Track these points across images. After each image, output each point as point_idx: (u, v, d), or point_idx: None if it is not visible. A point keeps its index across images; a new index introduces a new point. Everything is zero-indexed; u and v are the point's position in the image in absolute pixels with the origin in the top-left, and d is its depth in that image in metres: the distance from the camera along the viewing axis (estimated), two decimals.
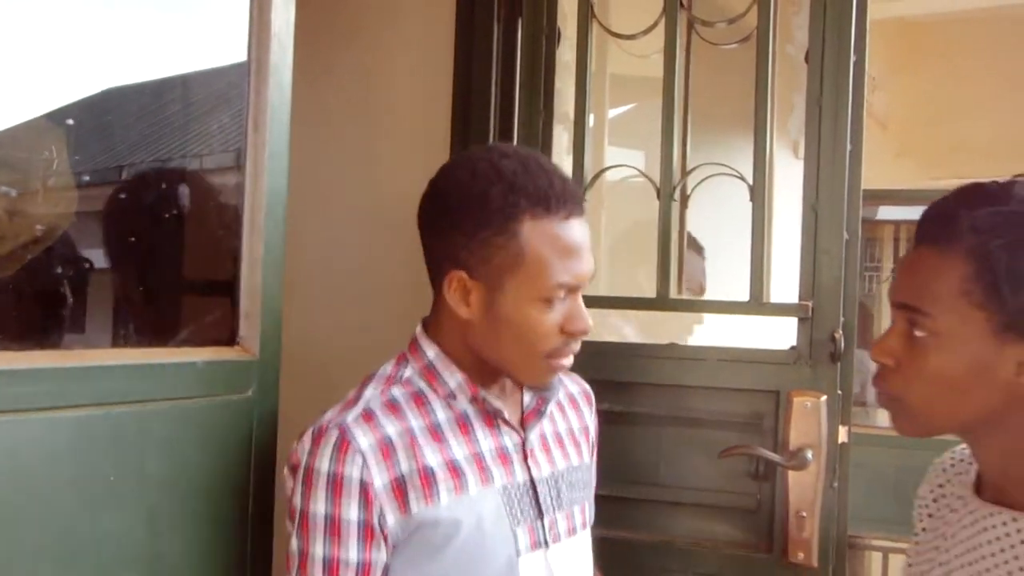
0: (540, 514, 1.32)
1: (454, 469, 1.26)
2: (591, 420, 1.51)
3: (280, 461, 1.57)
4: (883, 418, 4.98)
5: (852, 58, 1.86)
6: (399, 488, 1.22)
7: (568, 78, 2.09)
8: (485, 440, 1.31)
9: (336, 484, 1.20)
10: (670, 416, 1.95)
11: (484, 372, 1.32)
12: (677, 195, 2.02)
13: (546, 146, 2.06)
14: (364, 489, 1.20)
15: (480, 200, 1.22)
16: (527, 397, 1.38)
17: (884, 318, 5.73)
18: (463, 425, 1.30)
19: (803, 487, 1.86)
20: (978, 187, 1.04)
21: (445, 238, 1.27)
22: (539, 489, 1.33)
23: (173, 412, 1.37)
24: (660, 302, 1.96)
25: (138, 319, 1.68)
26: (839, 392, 1.87)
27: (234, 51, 1.55)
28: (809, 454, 1.84)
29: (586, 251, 1.25)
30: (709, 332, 2.88)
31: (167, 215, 1.75)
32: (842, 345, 1.86)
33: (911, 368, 1.03)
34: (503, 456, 1.31)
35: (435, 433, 1.27)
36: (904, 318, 1.04)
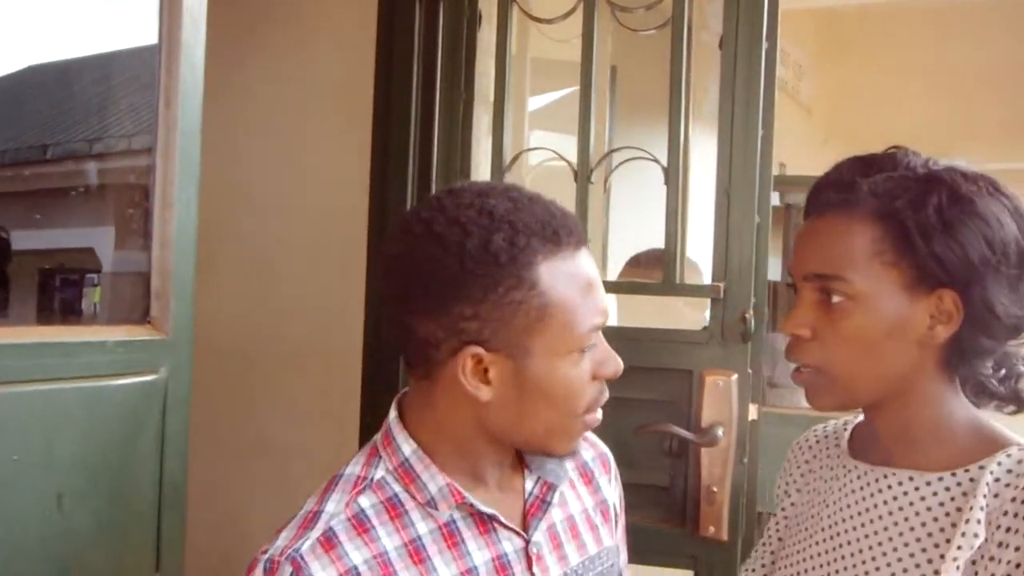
0: None
1: None
2: (611, 492, 1.27)
3: (193, 439, 1.57)
4: (799, 398, 5.11)
5: (764, 45, 1.91)
6: None
7: (491, 61, 2.11)
8: (479, 552, 1.06)
9: None
10: None
11: (479, 464, 1.09)
12: (596, 179, 2.05)
13: (466, 128, 2.08)
14: None
15: (482, 256, 0.98)
16: (528, 483, 1.14)
17: None
18: (450, 536, 1.05)
19: (714, 463, 1.91)
20: (863, 158, 1.09)
21: (443, 315, 0.99)
22: None
23: (82, 391, 1.37)
24: None
25: (49, 298, 1.67)
26: (749, 371, 1.92)
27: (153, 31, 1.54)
28: (720, 431, 1.89)
29: (600, 283, 1.06)
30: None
31: (76, 193, 1.73)
32: (752, 325, 1.91)
33: (830, 335, 1.06)
34: (502, 568, 1.07)
35: (416, 553, 1.03)
36: (815, 288, 1.08)
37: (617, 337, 1.92)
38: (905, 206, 1.03)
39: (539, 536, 1.11)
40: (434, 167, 2.14)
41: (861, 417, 1.22)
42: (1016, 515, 0.99)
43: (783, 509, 1.28)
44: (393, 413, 1.10)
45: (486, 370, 1.01)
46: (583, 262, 1.04)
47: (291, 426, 2.37)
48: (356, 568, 0.98)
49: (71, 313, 1.97)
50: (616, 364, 1.07)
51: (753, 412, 1.94)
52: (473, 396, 1.02)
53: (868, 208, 1.04)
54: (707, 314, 1.97)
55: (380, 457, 1.08)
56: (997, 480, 1.02)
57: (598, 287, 1.05)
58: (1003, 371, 1.12)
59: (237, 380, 2.49)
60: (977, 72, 5.31)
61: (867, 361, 1.06)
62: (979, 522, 1.00)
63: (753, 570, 1.29)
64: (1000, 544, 0.99)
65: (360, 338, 2.24)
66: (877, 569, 1.07)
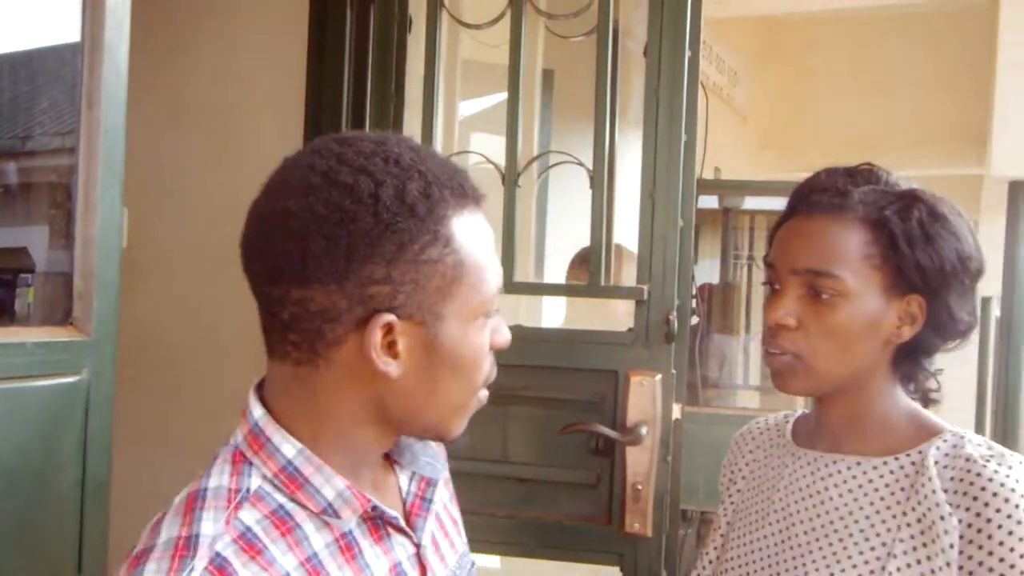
0: None
1: None
2: (450, 488, 1.17)
3: (116, 442, 1.56)
4: (742, 400, 5.20)
5: (687, 53, 1.95)
6: None
7: (422, 65, 2.12)
8: (377, 562, 0.94)
9: None
10: (515, 395, 2.02)
11: (361, 461, 0.96)
12: (525, 182, 2.08)
13: (397, 131, 2.10)
14: None
15: (399, 207, 0.86)
16: (403, 481, 1.04)
17: (753, 301, 5.98)
18: (347, 549, 0.92)
19: (639, 461, 1.95)
20: (847, 169, 1.22)
21: (349, 278, 0.86)
22: None
23: (1, 393, 1.36)
24: (504, 286, 2.02)
25: None
26: (673, 371, 1.97)
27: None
28: (644, 430, 1.93)
29: None
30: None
31: (6, 191, 1.72)
32: (675, 327, 1.95)
33: (814, 327, 1.16)
34: None
35: (314, 572, 0.88)
36: (803, 282, 1.17)
37: (543, 339, 1.93)
38: (893, 215, 1.15)
39: (426, 540, 1.01)
40: None
41: (800, 412, 1.35)
42: (956, 492, 1.10)
43: (730, 496, 1.37)
44: (259, 410, 0.93)
45: (393, 342, 0.89)
46: (483, 218, 0.96)
47: (221, 424, 2.35)
48: None
49: (3, 314, 1.94)
50: (507, 332, 1.00)
51: (677, 411, 1.98)
52: (376, 376, 0.89)
53: (859, 214, 1.16)
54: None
55: (250, 464, 0.91)
56: (936, 463, 1.13)
57: (494, 245, 0.97)
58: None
59: (167, 378, 2.48)
60: (912, 78, 5.46)
61: (843, 354, 1.16)
62: (940, 504, 1.11)
63: (703, 567, 1.36)
64: (942, 518, 1.09)
65: None
66: (831, 545, 1.17)
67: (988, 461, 1.10)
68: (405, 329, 0.89)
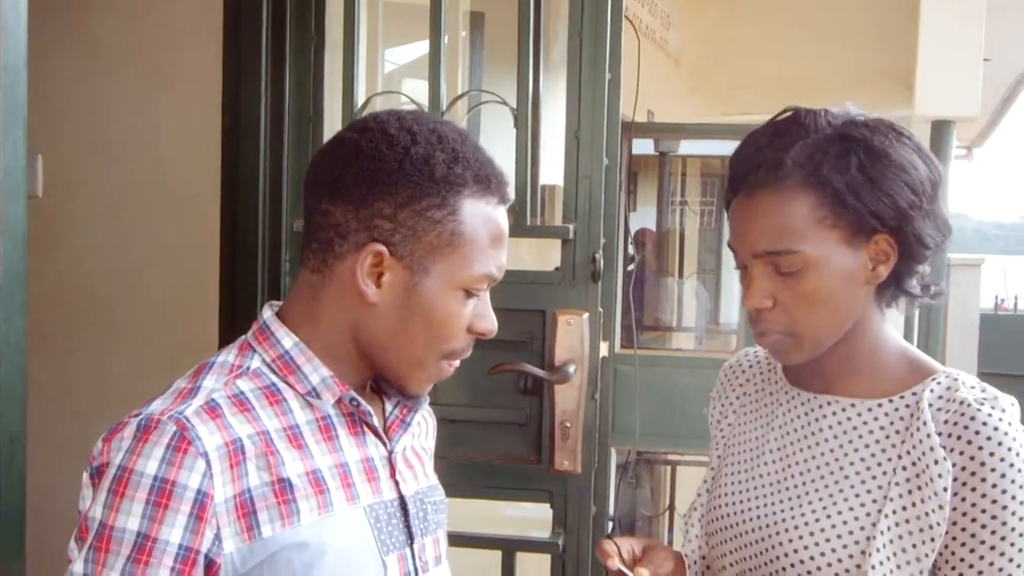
0: (410, 539, 1.12)
1: (317, 483, 1.03)
2: (432, 442, 1.31)
3: (44, 394, 1.53)
4: (680, 342, 5.28)
5: None
6: (244, 506, 0.98)
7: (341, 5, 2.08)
8: (350, 449, 1.09)
9: (163, 493, 0.94)
10: None
11: (346, 373, 1.10)
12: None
13: (318, 72, 2.06)
14: (200, 503, 0.95)
15: (421, 164, 1.03)
16: (388, 406, 1.17)
17: (686, 245, 6.04)
18: (326, 429, 1.07)
19: (567, 400, 1.97)
20: (771, 128, 1.18)
21: (364, 206, 1.04)
22: (409, 509, 1.12)
23: None
24: None
25: None
26: (600, 310, 1.98)
27: None
28: (572, 368, 1.95)
29: (507, 244, 1.11)
30: None
31: None
32: (601, 265, 1.96)
33: (790, 301, 1.14)
34: (369, 470, 1.10)
35: (294, 438, 1.04)
36: (766, 263, 1.15)
37: None
38: (831, 171, 1.11)
39: (397, 449, 1.14)
40: (286, 112, 2.12)
41: None
42: (950, 436, 1.10)
43: (720, 431, 1.35)
44: (269, 312, 1.12)
45: (381, 274, 1.05)
46: (502, 218, 1.09)
47: (147, 378, 2.32)
48: (240, 440, 0.99)
49: None
50: (491, 323, 1.11)
51: (604, 350, 2.00)
52: (360, 297, 1.05)
53: (797, 179, 1.12)
54: None
55: (253, 350, 1.09)
56: (930, 405, 1.13)
57: (505, 245, 1.09)
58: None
59: (93, 331, 2.43)
60: (842, 21, 5.49)
61: (827, 315, 1.15)
62: (934, 448, 1.10)
63: (697, 505, 1.34)
64: (936, 462, 1.10)
65: (216, 291, 2.20)
66: (827, 487, 1.17)
67: (982, 404, 1.10)
68: (393, 266, 1.05)
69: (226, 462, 0.97)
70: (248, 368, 1.07)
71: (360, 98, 2.05)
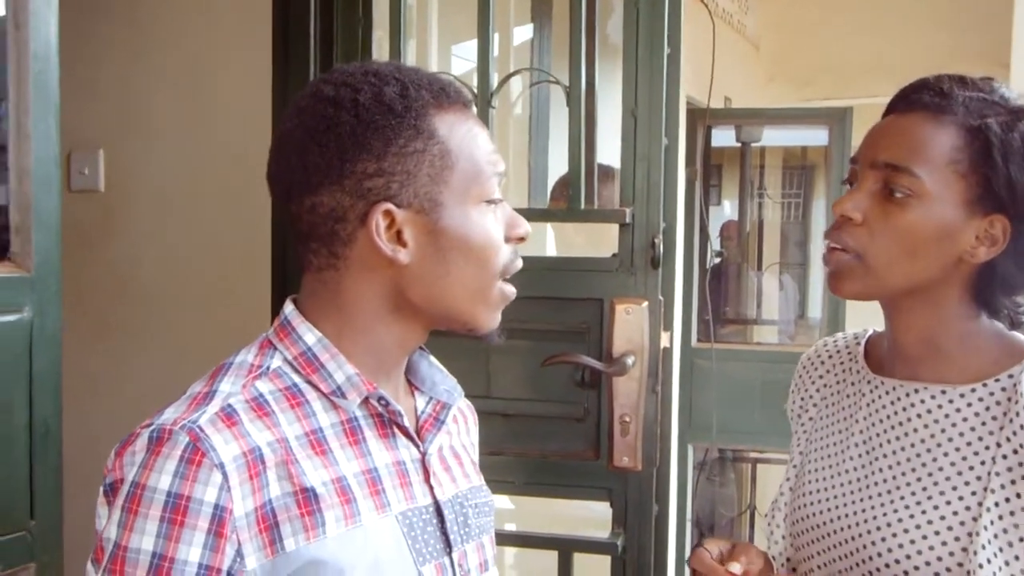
0: (448, 548, 1.05)
1: (343, 491, 0.97)
2: (475, 438, 1.25)
3: (68, 384, 1.50)
4: (762, 335, 5.11)
5: None
6: (266, 519, 0.92)
7: None
8: (379, 453, 1.02)
9: (178, 510, 0.88)
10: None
11: (384, 362, 1.05)
12: (505, 104, 1.98)
13: (366, 53, 2.01)
14: (219, 519, 0.89)
15: (377, 107, 0.97)
16: (420, 402, 1.12)
17: (766, 240, 5.87)
18: (351, 433, 1.01)
19: (626, 393, 1.87)
20: (961, 75, 1.12)
21: (346, 176, 0.97)
22: (445, 515, 1.06)
23: None
24: None
25: None
26: (660, 298, 1.88)
27: None
28: (631, 360, 1.85)
29: (489, 137, 1.07)
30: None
31: None
32: (661, 251, 1.86)
33: (880, 225, 1.08)
34: (401, 474, 1.03)
35: (317, 443, 0.98)
36: (879, 178, 1.08)
37: (525, 267, 1.83)
38: (995, 124, 1.06)
39: (431, 450, 1.08)
40: None
41: (871, 331, 1.25)
42: None
43: (802, 425, 1.28)
44: (290, 307, 1.05)
45: (399, 232, 0.98)
46: (473, 118, 1.05)
47: (199, 369, 2.31)
48: (259, 449, 0.93)
49: None
50: (525, 225, 1.06)
51: (665, 340, 1.90)
52: (390, 263, 0.99)
53: (957, 117, 1.07)
54: None
55: (274, 348, 1.03)
56: None
57: (488, 138, 1.05)
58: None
59: (149, 325, 2.43)
60: (929, 2, 5.28)
61: (906, 259, 1.08)
62: None
63: (779, 507, 1.26)
64: None
65: (268, 280, 2.17)
66: (919, 480, 1.09)
67: None
68: (407, 218, 0.98)
69: (244, 473, 0.91)
70: (268, 368, 1.00)
71: None
